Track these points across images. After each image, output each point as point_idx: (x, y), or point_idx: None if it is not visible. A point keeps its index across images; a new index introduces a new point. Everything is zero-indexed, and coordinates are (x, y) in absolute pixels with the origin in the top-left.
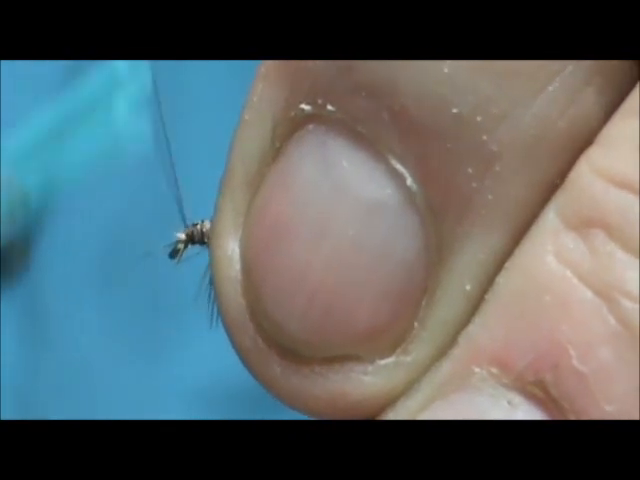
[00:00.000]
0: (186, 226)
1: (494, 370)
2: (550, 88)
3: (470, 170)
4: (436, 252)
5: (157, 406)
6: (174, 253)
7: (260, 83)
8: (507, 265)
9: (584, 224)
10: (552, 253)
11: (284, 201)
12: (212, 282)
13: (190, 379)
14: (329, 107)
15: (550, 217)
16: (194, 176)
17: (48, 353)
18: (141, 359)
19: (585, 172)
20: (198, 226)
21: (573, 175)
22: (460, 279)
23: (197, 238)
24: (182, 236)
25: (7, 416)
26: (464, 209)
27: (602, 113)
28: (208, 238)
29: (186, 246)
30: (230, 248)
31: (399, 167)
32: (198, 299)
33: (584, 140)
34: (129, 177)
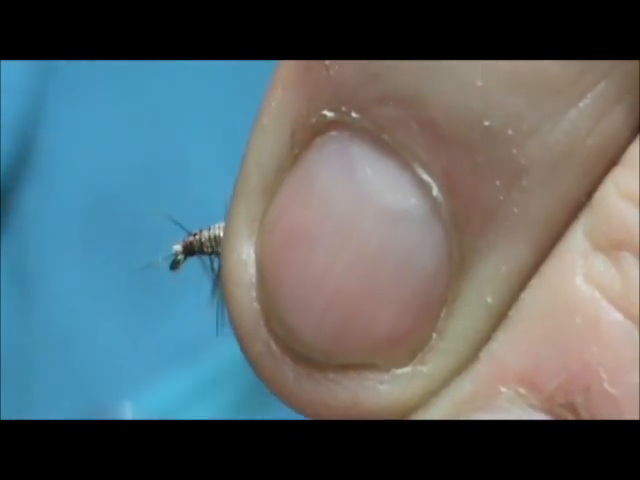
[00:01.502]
0: (183, 238)
1: (522, 390)
2: (581, 104)
3: (498, 183)
4: (458, 263)
5: (143, 363)
6: (174, 265)
7: (280, 87)
8: (533, 283)
9: (613, 246)
10: (581, 274)
11: (304, 206)
12: (222, 286)
13: (179, 337)
14: (354, 114)
15: (578, 238)
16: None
17: (34, 312)
18: (129, 317)
19: (612, 194)
20: (196, 236)
21: (600, 196)
22: (481, 291)
23: (196, 248)
24: (179, 248)
25: None
26: (489, 221)
27: (630, 131)
28: (207, 247)
29: (185, 257)
30: (245, 252)
31: (425, 177)
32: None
33: (612, 158)
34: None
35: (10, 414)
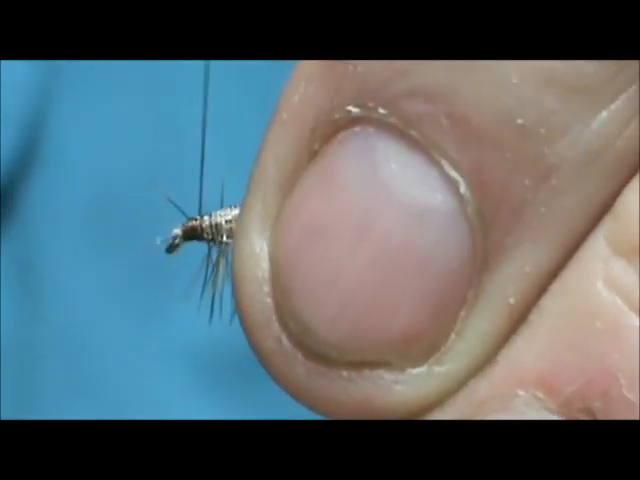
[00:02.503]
0: (183, 222)
1: (540, 394)
2: (612, 106)
3: (527, 181)
4: (482, 262)
5: (150, 361)
6: (171, 248)
7: (302, 82)
8: (554, 288)
9: (633, 251)
10: (602, 279)
11: (323, 201)
12: (218, 276)
13: (183, 333)
14: (381, 110)
15: (600, 243)
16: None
17: (38, 308)
18: (136, 315)
19: (633, 201)
20: (197, 222)
21: (622, 202)
22: (505, 291)
23: (196, 234)
24: (179, 232)
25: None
26: (515, 220)
27: None
28: (207, 234)
29: (183, 241)
30: (258, 246)
31: (453, 173)
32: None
33: (638, 162)
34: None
35: (13, 413)
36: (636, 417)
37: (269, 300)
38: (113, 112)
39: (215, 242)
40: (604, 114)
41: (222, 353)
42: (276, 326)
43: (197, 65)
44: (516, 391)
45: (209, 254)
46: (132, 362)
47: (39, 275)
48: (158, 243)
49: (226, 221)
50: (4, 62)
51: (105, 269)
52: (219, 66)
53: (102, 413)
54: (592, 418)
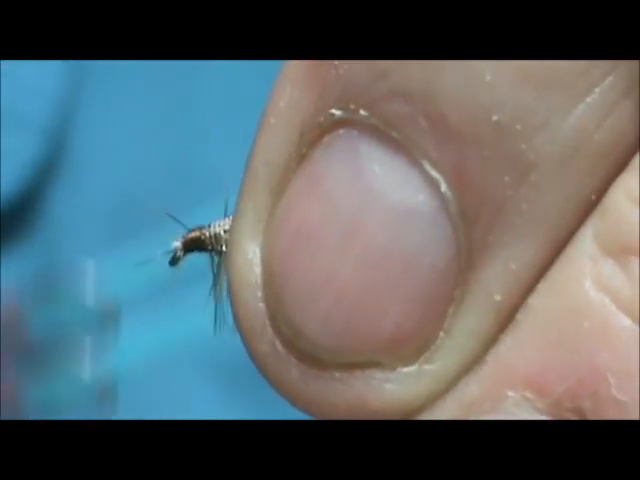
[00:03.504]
0: (182, 234)
1: (529, 394)
2: (588, 99)
3: (506, 178)
4: (466, 261)
5: (170, 365)
6: (173, 261)
7: (288, 87)
8: (542, 285)
9: (622, 251)
10: (590, 279)
11: (311, 205)
12: (221, 285)
13: (206, 338)
14: (362, 112)
15: (587, 241)
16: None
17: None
18: (159, 319)
19: (621, 199)
20: (197, 233)
21: (609, 200)
22: (490, 289)
23: (196, 245)
24: (179, 244)
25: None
26: (497, 217)
27: (638, 128)
28: (207, 245)
29: (185, 254)
30: (250, 252)
31: (434, 173)
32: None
33: (620, 156)
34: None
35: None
36: (626, 417)
37: (262, 305)
38: (136, 121)
39: (216, 252)
40: (580, 108)
41: (241, 357)
42: (270, 331)
43: (218, 74)
44: (506, 392)
45: (212, 265)
46: (154, 366)
47: (61, 283)
48: (160, 257)
49: (225, 231)
50: (27, 70)
51: (128, 277)
52: (255, 78)
53: (122, 416)
54: (582, 418)
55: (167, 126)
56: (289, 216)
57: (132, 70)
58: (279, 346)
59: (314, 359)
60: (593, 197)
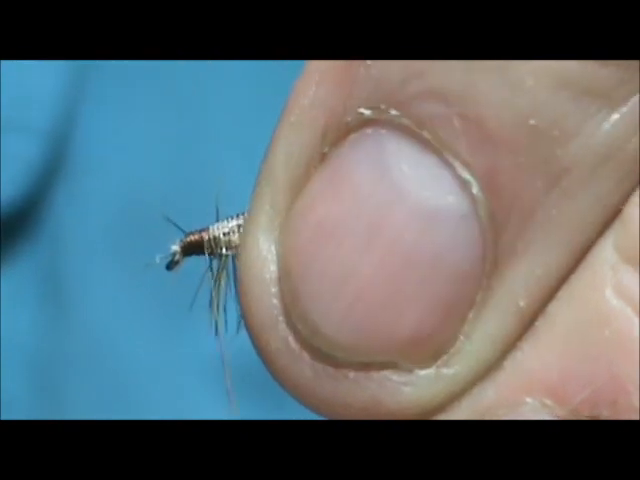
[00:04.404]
0: (181, 238)
1: (548, 401)
2: (624, 109)
3: (539, 183)
4: (492, 264)
5: (178, 378)
6: (171, 265)
7: (313, 84)
8: (562, 294)
9: None
10: (611, 287)
11: (333, 202)
12: (219, 284)
13: (209, 345)
14: (393, 111)
15: (608, 250)
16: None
17: (66, 319)
18: (161, 330)
19: None
20: (195, 237)
21: (631, 210)
22: (515, 294)
23: (195, 249)
24: (177, 248)
25: (20, 384)
26: (526, 222)
27: None
28: (206, 248)
29: (183, 257)
30: (265, 248)
31: (465, 175)
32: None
33: None
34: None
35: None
36: None
37: (276, 301)
38: (140, 125)
39: (215, 255)
40: (615, 116)
41: (247, 363)
42: (283, 327)
43: (223, 76)
44: (524, 398)
45: (210, 268)
46: (159, 372)
47: (65, 287)
48: (157, 261)
49: (224, 234)
50: (31, 74)
51: (131, 281)
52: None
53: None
54: None
55: (168, 129)
56: (309, 212)
57: (134, 73)
58: (292, 343)
59: (328, 357)
60: (620, 206)
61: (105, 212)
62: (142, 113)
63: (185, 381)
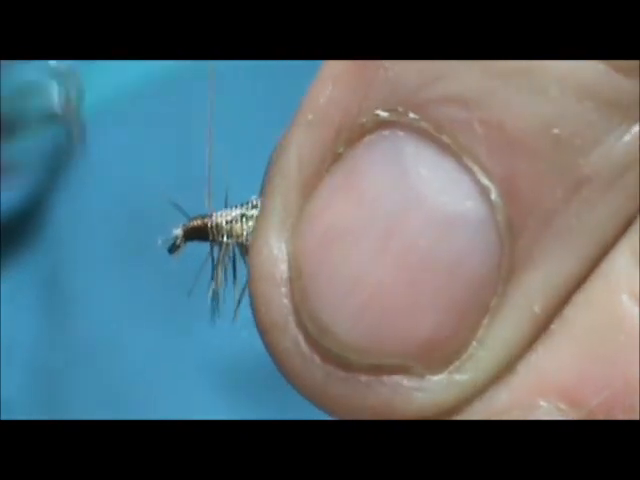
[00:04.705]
0: (184, 223)
1: (562, 405)
2: None
3: (559, 192)
4: (508, 271)
5: (180, 382)
6: (172, 249)
7: (329, 84)
8: (578, 298)
9: None
10: (627, 292)
11: (347, 203)
12: (217, 277)
13: (211, 350)
14: (411, 114)
15: (624, 256)
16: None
17: (67, 325)
18: (162, 332)
19: None
20: (198, 222)
21: None
22: (530, 300)
23: (197, 235)
24: (180, 232)
25: (22, 389)
26: (544, 230)
27: None
28: (211, 235)
29: (185, 242)
30: (276, 247)
31: (485, 180)
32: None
33: None
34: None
35: None
36: None
37: (287, 301)
38: (144, 126)
39: (216, 242)
40: (636, 128)
41: (251, 363)
42: (293, 327)
43: (223, 79)
44: (538, 401)
45: (211, 254)
46: (159, 373)
47: (66, 290)
48: (159, 244)
49: (226, 222)
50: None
51: (134, 283)
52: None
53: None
54: None
55: (170, 133)
56: (323, 212)
57: (140, 79)
58: (303, 344)
59: (340, 359)
60: (635, 215)
61: (106, 215)
62: (148, 114)
63: (185, 382)
